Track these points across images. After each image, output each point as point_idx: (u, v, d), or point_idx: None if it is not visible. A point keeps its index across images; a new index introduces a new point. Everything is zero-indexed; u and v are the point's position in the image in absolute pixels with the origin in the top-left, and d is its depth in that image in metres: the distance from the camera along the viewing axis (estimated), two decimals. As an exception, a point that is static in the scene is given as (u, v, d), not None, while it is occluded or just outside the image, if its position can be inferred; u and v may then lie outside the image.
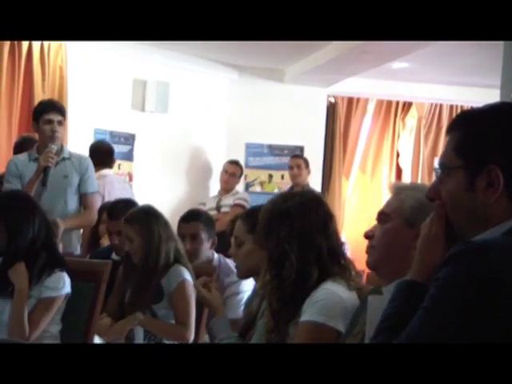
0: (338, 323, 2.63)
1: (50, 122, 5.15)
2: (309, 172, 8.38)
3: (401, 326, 1.67)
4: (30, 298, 3.65)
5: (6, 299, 3.67)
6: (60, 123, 5.19)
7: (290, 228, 2.82)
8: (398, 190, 2.35)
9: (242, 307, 3.47)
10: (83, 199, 5.28)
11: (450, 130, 1.82)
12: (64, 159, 5.23)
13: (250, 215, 3.39)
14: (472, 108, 1.92)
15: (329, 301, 2.70)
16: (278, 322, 2.80)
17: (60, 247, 4.67)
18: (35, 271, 3.68)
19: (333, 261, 2.81)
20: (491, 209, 1.72)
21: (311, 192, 3.23)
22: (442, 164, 1.81)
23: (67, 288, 3.70)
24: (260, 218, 2.93)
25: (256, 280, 3.40)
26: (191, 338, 4.03)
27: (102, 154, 6.64)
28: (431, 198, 1.85)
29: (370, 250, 2.35)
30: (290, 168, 8.38)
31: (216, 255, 4.90)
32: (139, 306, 4.05)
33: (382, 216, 2.32)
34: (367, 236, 2.37)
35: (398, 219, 2.28)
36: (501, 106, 1.83)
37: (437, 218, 1.82)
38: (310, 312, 2.70)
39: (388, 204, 2.35)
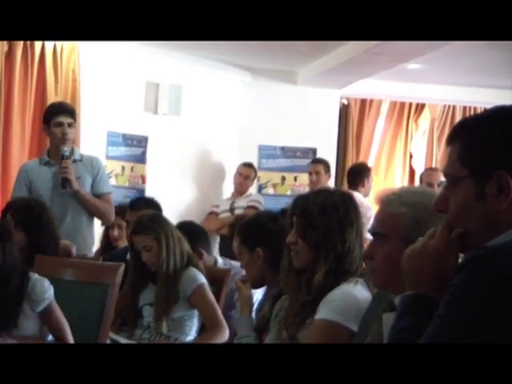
0: (353, 324, 2.63)
1: (61, 124, 5.18)
2: (329, 176, 8.18)
3: (415, 338, 1.66)
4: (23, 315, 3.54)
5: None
6: (70, 125, 5.21)
7: (327, 226, 2.82)
8: (387, 203, 2.23)
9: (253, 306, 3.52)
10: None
11: (450, 140, 1.80)
12: (76, 161, 5.25)
13: (242, 227, 3.44)
14: (469, 116, 1.90)
15: (344, 301, 2.71)
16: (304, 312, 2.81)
17: (74, 250, 4.70)
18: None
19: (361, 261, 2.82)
20: (503, 214, 1.70)
21: (340, 191, 3.28)
22: (447, 175, 1.80)
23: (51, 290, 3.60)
24: (296, 214, 2.91)
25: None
26: (227, 334, 4.06)
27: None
28: (440, 209, 1.83)
29: (372, 272, 2.28)
30: (309, 174, 8.19)
31: (220, 259, 4.91)
32: (163, 313, 4.05)
33: (378, 237, 2.22)
34: (366, 257, 2.31)
35: (396, 240, 2.17)
36: (497, 110, 1.80)
37: (441, 230, 1.80)
38: (325, 310, 2.71)
39: (381, 222, 2.24)
